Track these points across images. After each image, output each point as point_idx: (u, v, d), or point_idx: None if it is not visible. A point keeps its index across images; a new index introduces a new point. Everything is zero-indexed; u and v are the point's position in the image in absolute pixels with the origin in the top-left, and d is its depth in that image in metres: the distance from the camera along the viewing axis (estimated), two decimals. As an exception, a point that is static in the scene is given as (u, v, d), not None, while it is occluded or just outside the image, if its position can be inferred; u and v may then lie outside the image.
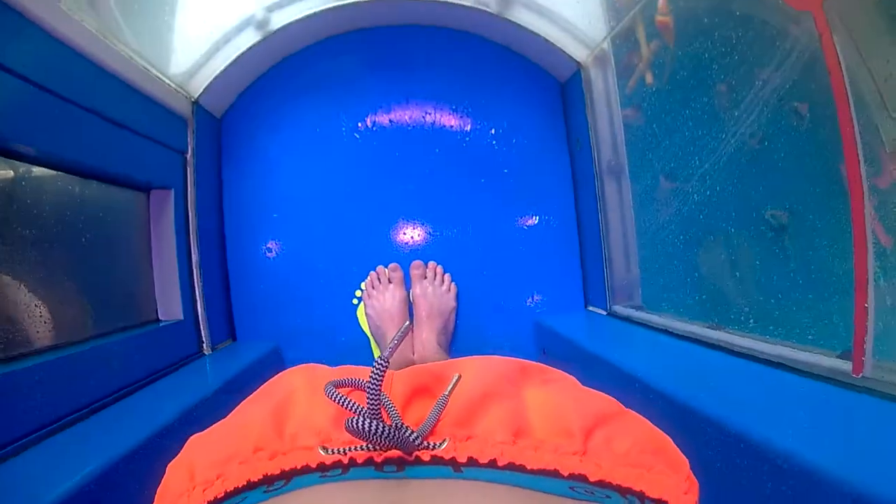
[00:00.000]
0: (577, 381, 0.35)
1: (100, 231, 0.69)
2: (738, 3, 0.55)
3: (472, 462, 0.24)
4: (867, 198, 0.41)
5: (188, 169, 0.87)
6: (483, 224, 1.03)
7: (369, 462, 0.25)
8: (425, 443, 0.26)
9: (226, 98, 0.99)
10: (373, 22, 1.02)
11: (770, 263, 0.57)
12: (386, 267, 1.01)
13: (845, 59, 0.42)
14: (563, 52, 0.96)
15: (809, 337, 0.51)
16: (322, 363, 0.40)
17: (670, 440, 0.28)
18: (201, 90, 0.90)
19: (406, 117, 1.04)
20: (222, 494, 0.25)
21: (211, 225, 0.96)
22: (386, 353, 0.28)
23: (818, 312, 0.50)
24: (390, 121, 1.04)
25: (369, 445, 0.25)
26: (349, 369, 0.34)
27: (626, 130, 0.85)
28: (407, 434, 0.25)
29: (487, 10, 0.95)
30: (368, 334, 1.01)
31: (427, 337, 0.94)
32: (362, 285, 1.02)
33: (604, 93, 0.90)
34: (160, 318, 0.81)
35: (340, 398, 0.27)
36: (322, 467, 0.24)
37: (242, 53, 0.92)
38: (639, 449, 0.26)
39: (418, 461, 0.25)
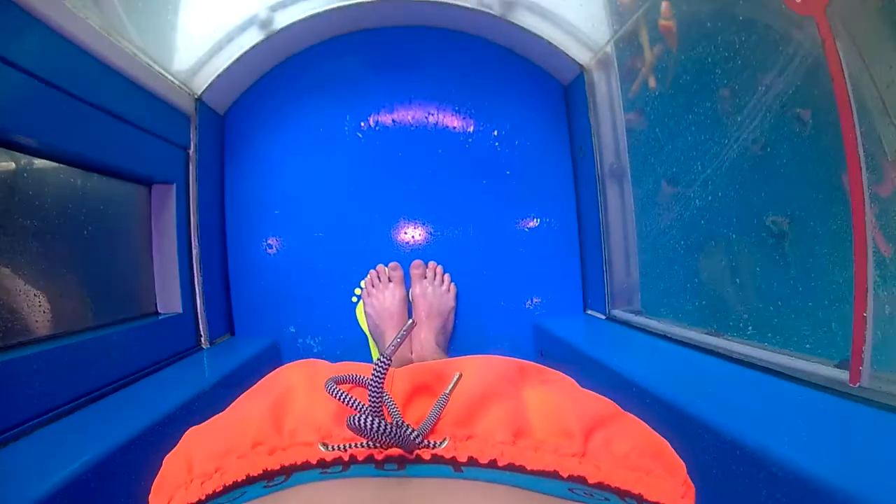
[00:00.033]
0: (575, 382, 0.35)
1: (101, 224, 0.69)
2: (741, 7, 0.55)
3: (472, 462, 0.24)
4: (868, 206, 0.41)
5: (190, 164, 0.87)
6: (484, 225, 1.04)
7: (370, 460, 0.25)
8: (426, 441, 0.26)
9: (229, 95, 1.00)
10: (376, 23, 1.02)
11: (770, 270, 0.57)
12: (386, 266, 1.01)
13: (848, 66, 0.42)
14: (567, 55, 0.96)
15: (807, 345, 0.51)
16: (321, 360, 0.40)
17: (668, 444, 0.28)
18: (204, 87, 0.90)
19: (409, 118, 1.04)
20: (221, 488, 0.24)
21: (212, 220, 0.96)
22: (388, 351, 0.28)
23: (817, 320, 0.50)
24: (393, 121, 1.04)
25: (370, 443, 0.25)
26: (348, 366, 0.34)
27: (629, 134, 0.85)
28: (408, 432, 0.25)
29: (490, 12, 0.95)
30: (367, 332, 1.01)
31: (426, 336, 0.94)
32: (362, 283, 1.02)
33: (607, 96, 0.90)
34: (159, 311, 0.81)
35: (341, 395, 0.27)
36: (322, 464, 0.24)
37: (246, 52, 0.93)
38: (637, 452, 0.26)
39: (419, 460, 0.25)
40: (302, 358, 0.40)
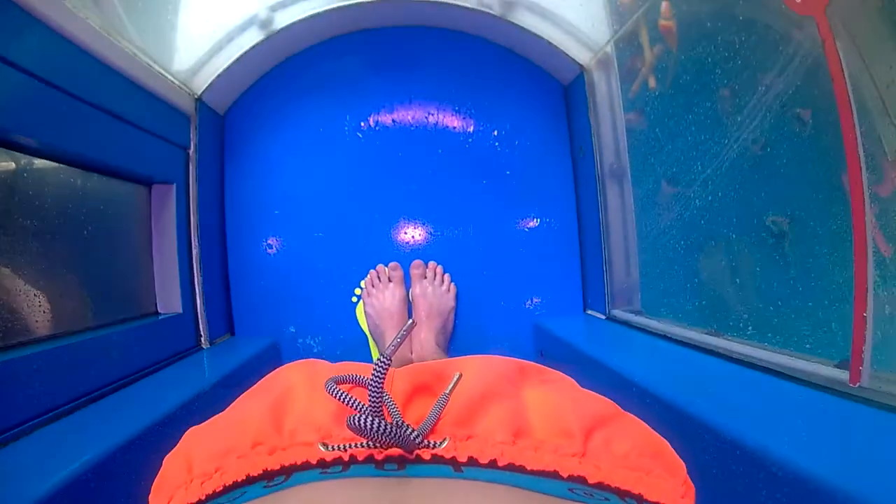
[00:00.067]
0: (575, 382, 0.35)
1: (101, 224, 0.69)
2: (741, 7, 0.55)
3: (472, 462, 0.24)
4: (868, 206, 0.41)
5: (190, 164, 0.87)
6: (484, 225, 1.04)
7: (370, 460, 0.25)
8: (426, 441, 0.26)
9: (229, 95, 1.00)
10: (376, 23, 1.02)
11: (770, 270, 0.57)
12: (386, 266, 1.01)
13: (848, 66, 0.42)
14: (567, 55, 0.96)
15: (807, 345, 0.51)
16: (321, 360, 0.40)
17: (668, 444, 0.28)
18: (204, 87, 0.90)
19: (409, 118, 1.04)
20: (221, 488, 0.24)
21: (212, 220, 0.96)
22: (388, 351, 0.28)
23: (817, 320, 0.50)
24: (393, 121, 1.04)
25: (370, 443, 0.25)
26: (348, 366, 0.34)
27: (629, 134, 0.85)
28: (408, 432, 0.25)
29: (491, 12, 0.95)
30: (367, 332, 1.01)
31: (426, 337, 0.94)
32: (362, 283, 1.02)
33: (607, 96, 0.90)
34: (159, 311, 0.81)
35: (341, 394, 0.27)
36: (322, 464, 0.24)
37: (246, 52, 0.93)
38: (637, 452, 0.26)
39: (419, 460, 0.25)
40: (302, 358, 0.40)
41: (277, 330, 1.01)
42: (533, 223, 1.04)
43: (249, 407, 0.31)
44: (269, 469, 0.25)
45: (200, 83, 0.90)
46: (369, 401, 0.26)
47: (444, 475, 0.23)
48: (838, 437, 0.39)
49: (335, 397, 0.27)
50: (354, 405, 0.27)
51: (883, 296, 0.41)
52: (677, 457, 0.28)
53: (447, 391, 0.30)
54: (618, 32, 0.83)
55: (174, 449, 0.29)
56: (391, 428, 0.24)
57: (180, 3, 0.82)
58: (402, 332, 0.29)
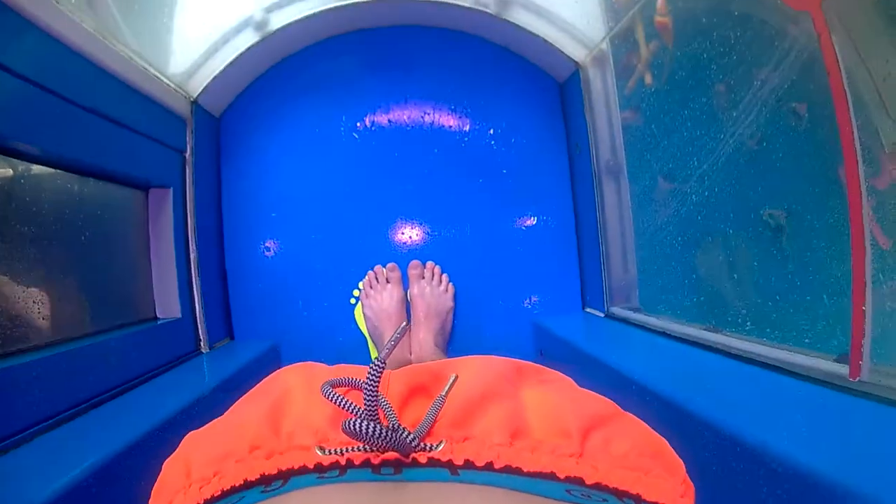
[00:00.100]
0: (574, 382, 0.35)
1: (98, 229, 0.69)
2: (736, 3, 0.55)
3: (468, 464, 0.24)
4: (865, 199, 0.41)
5: (187, 168, 0.87)
6: (481, 224, 1.03)
7: (366, 464, 0.24)
8: (422, 444, 0.26)
9: (225, 98, 0.99)
10: (372, 23, 1.02)
11: (768, 265, 0.57)
12: (384, 266, 1.01)
13: (844, 60, 0.42)
14: (562, 52, 0.96)
15: (806, 340, 0.51)
16: (319, 362, 0.40)
17: (667, 443, 0.28)
18: (200, 90, 0.90)
19: (405, 117, 1.04)
20: (219, 493, 0.24)
21: (209, 223, 0.95)
22: (383, 354, 0.28)
23: (815, 315, 0.50)
24: (389, 121, 1.04)
25: (366, 447, 0.25)
26: (346, 368, 0.34)
27: (625, 131, 0.85)
28: (404, 436, 0.25)
29: (486, 10, 0.95)
30: (366, 334, 1.01)
31: (424, 337, 0.94)
32: (360, 285, 1.02)
33: (602, 93, 0.90)
34: (158, 315, 0.81)
35: (337, 398, 0.27)
36: (319, 468, 0.24)
37: (241, 54, 0.92)
38: (636, 452, 0.26)
39: (415, 463, 0.25)
40: (301, 361, 0.40)
41: (277, 333, 1.00)
42: (530, 221, 1.04)
43: (247, 410, 0.31)
44: (266, 474, 0.25)
45: (196, 86, 0.89)
46: (364, 405, 0.26)
47: (440, 479, 0.23)
48: (838, 432, 0.39)
49: (331, 401, 0.27)
50: (350, 409, 0.27)
51: (882, 289, 0.41)
52: (676, 456, 0.28)
53: (443, 393, 0.29)
54: (613, 29, 0.83)
55: (174, 454, 0.29)
56: (386, 432, 0.24)
57: (175, 5, 0.82)
58: (395, 335, 0.29)
